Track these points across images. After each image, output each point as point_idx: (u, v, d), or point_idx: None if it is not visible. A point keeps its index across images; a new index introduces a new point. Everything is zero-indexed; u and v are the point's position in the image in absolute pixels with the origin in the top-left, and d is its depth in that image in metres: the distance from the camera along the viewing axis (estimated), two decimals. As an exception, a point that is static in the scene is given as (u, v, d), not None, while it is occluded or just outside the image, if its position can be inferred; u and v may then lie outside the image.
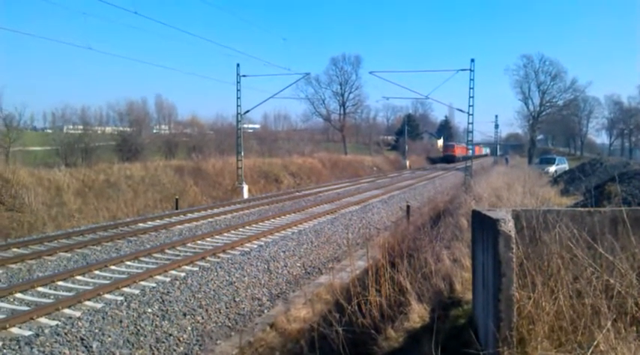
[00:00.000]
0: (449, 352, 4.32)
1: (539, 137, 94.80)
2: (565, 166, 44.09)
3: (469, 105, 33.42)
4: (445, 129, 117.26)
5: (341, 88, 77.52)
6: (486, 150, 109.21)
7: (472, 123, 34.73)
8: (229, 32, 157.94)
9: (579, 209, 5.02)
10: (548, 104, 73.77)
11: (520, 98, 74.64)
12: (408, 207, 20.98)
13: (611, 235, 4.50)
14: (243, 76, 30.82)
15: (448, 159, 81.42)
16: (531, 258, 4.40)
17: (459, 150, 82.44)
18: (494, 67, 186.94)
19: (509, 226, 3.79)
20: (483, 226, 4.46)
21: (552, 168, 40.61)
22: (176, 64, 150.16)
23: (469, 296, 6.11)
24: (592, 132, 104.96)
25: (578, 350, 3.63)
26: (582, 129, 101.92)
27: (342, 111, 78.54)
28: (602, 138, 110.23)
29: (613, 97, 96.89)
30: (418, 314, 6.60)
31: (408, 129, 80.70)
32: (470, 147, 39.66)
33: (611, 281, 4.15)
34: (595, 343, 3.53)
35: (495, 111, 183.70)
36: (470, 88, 33.08)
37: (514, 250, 3.79)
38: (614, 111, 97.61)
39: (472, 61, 32.71)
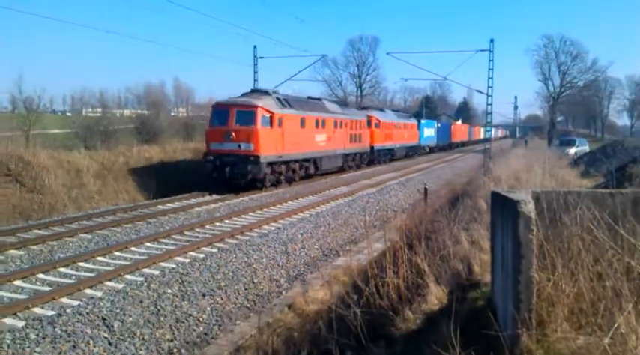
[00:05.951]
0: (468, 333, 4.31)
1: (559, 118, 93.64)
2: (585, 148, 43.55)
3: (488, 87, 33.10)
4: (464, 110, 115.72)
5: (358, 70, 77.18)
6: (489, 133, 62.01)
7: (491, 105, 34.38)
8: (246, 14, 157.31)
9: (600, 190, 4.95)
10: (568, 85, 72.61)
11: (540, 79, 73.59)
12: (426, 189, 20.88)
13: (633, 217, 4.43)
14: (260, 57, 30.84)
15: None
16: (551, 239, 4.36)
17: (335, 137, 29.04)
18: (514, 48, 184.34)
19: (529, 207, 3.75)
20: (503, 208, 4.42)
21: (572, 150, 40.16)
22: (194, 47, 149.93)
23: (487, 278, 6.08)
24: (613, 113, 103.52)
25: (598, 333, 3.60)
26: (603, 110, 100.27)
27: (359, 93, 78.12)
28: (623, 120, 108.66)
29: (634, 78, 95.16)
30: (436, 296, 6.59)
31: (426, 111, 79.80)
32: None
33: (632, 263, 4.09)
34: (615, 325, 3.50)
35: (514, 92, 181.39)
36: (489, 69, 32.70)
37: (534, 232, 3.75)
38: (634, 92, 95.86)
39: (491, 41, 32.27)
